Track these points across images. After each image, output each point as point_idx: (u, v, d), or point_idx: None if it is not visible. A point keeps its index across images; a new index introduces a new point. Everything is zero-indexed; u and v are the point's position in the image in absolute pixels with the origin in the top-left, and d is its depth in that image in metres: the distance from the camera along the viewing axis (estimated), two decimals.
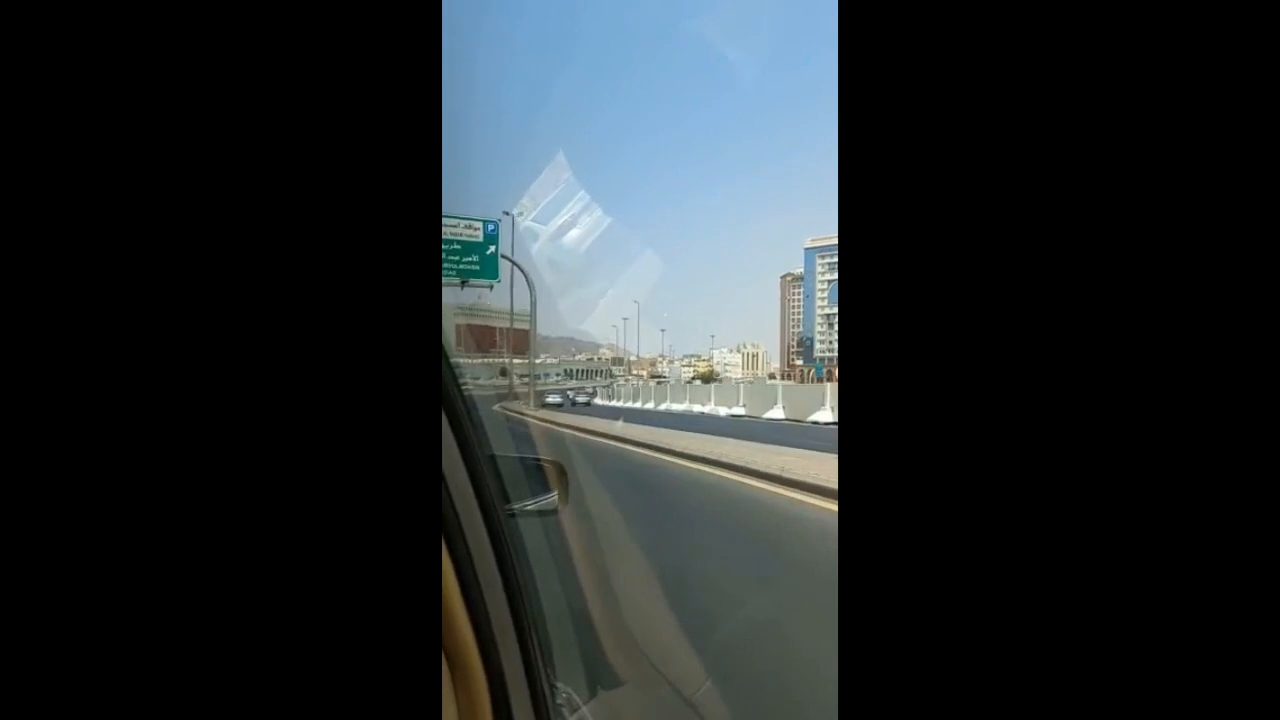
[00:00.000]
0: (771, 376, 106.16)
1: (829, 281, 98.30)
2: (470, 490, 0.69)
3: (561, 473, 1.13)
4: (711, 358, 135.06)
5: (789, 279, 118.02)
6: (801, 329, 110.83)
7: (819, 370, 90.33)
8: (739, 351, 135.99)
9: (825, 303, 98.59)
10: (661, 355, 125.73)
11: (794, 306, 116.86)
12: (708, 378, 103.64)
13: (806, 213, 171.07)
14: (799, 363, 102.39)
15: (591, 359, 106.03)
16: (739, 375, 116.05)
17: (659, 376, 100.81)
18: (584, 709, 0.97)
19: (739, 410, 23.91)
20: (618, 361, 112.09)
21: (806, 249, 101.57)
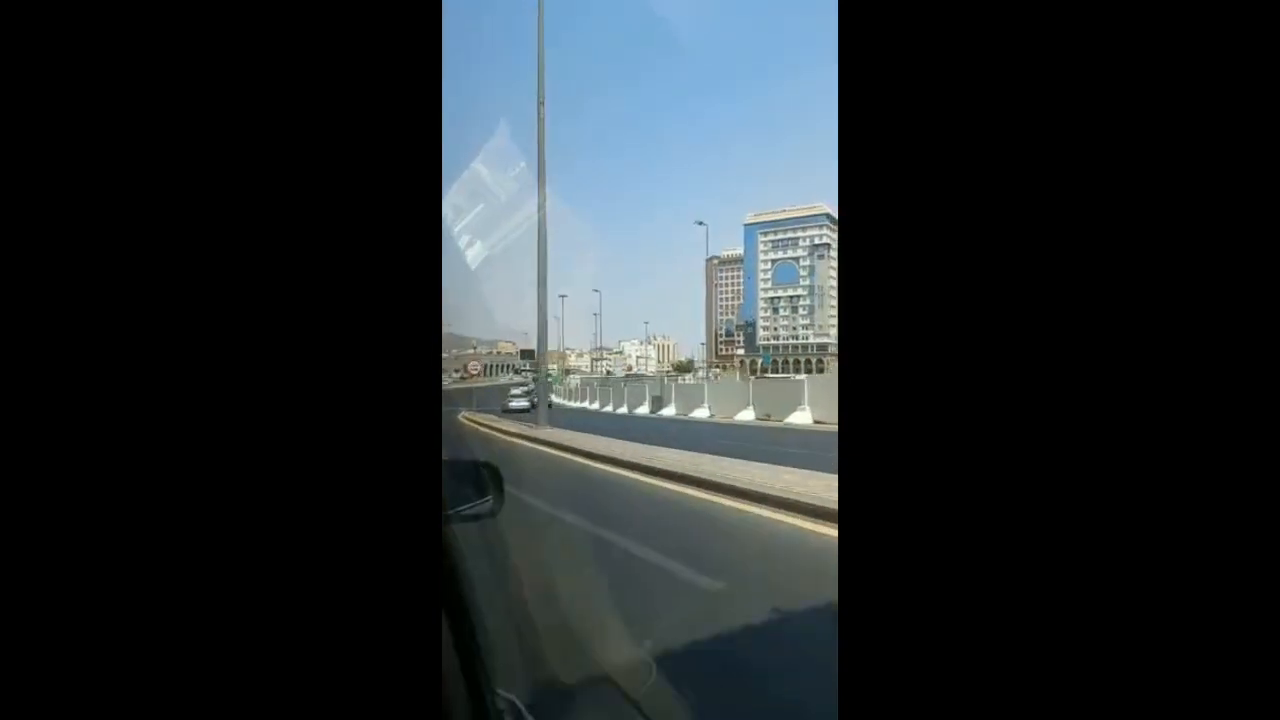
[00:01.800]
0: (677, 368, 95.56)
1: (773, 261, 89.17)
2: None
3: (496, 475, 1.10)
4: (623, 350, 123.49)
5: (716, 262, 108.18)
6: (738, 315, 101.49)
7: (766, 359, 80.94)
8: (651, 343, 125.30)
9: (769, 284, 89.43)
10: (569, 349, 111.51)
11: (724, 291, 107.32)
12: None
13: (736, 189, 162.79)
14: (740, 352, 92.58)
15: (491, 353, 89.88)
16: (654, 369, 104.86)
17: (572, 371, 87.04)
18: (527, 716, 0.96)
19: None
20: (527, 354, 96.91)
21: (746, 225, 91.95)
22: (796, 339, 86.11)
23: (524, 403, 26.69)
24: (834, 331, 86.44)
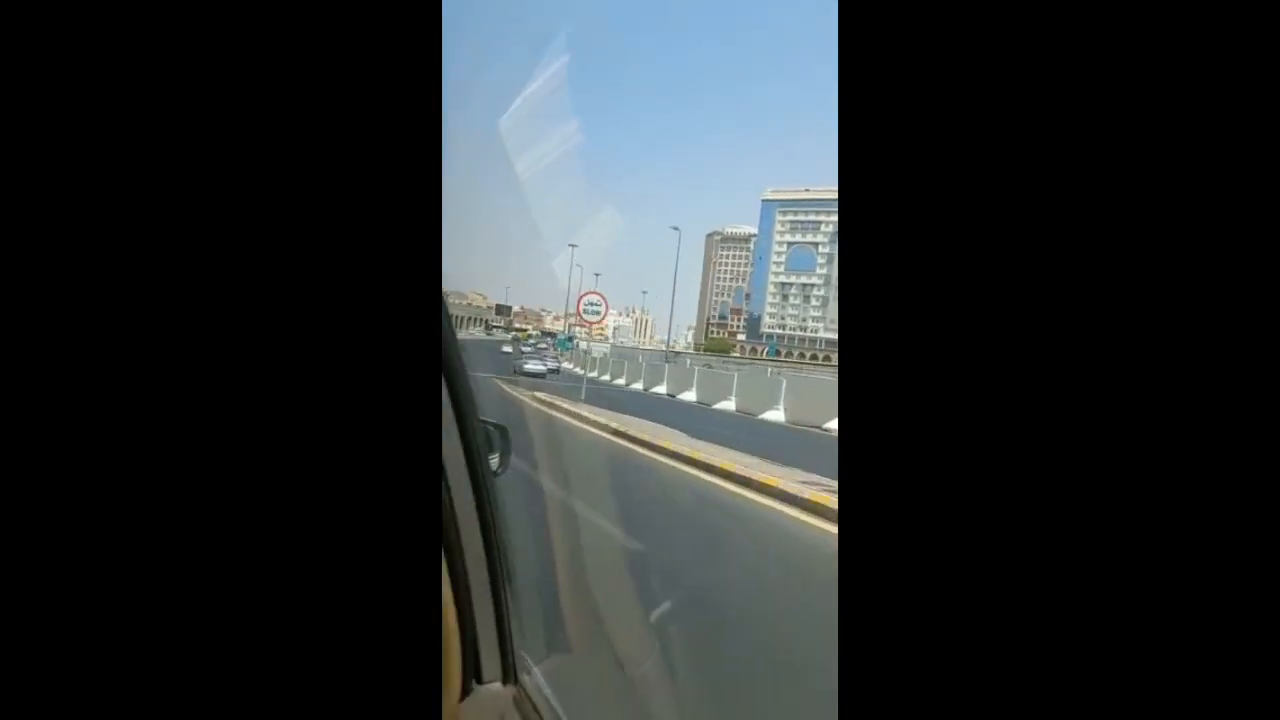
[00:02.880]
0: (712, 346, 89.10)
1: (789, 244, 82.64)
2: (460, 452, 0.69)
3: (504, 436, 1.09)
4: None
5: (718, 238, 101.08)
6: (733, 298, 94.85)
7: (772, 349, 74.80)
8: (629, 315, 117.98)
9: (781, 269, 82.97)
10: (544, 309, 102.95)
11: (722, 271, 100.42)
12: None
13: (752, 160, 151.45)
14: (741, 338, 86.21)
15: (462, 304, 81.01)
16: (628, 342, 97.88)
17: (550, 334, 79.33)
18: (535, 670, 1.00)
19: None
20: (502, 310, 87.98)
21: (765, 201, 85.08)
22: (805, 331, 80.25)
23: (540, 365, 20.88)
24: None
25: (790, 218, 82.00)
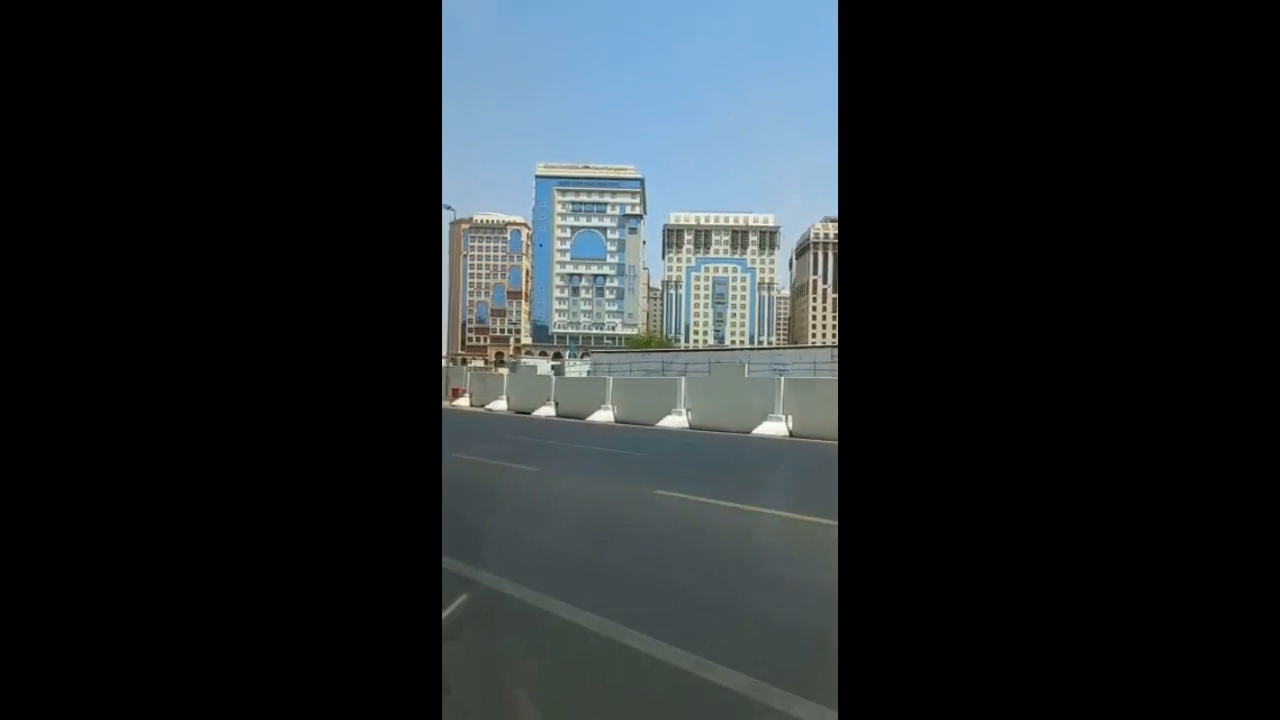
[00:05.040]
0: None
1: (573, 228, 70.95)
2: None
3: None
4: None
5: (466, 227, 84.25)
6: (495, 299, 79.30)
7: (572, 352, 62.56)
8: None
9: (567, 258, 70.82)
10: None
11: (477, 266, 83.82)
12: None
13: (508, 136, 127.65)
14: (527, 342, 71.17)
15: None
16: None
17: None
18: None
19: None
20: None
21: (539, 177, 71.74)
22: (602, 328, 70.05)
23: None
24: (643, 321, 72.20)
25: (571, 198, 71.28)
